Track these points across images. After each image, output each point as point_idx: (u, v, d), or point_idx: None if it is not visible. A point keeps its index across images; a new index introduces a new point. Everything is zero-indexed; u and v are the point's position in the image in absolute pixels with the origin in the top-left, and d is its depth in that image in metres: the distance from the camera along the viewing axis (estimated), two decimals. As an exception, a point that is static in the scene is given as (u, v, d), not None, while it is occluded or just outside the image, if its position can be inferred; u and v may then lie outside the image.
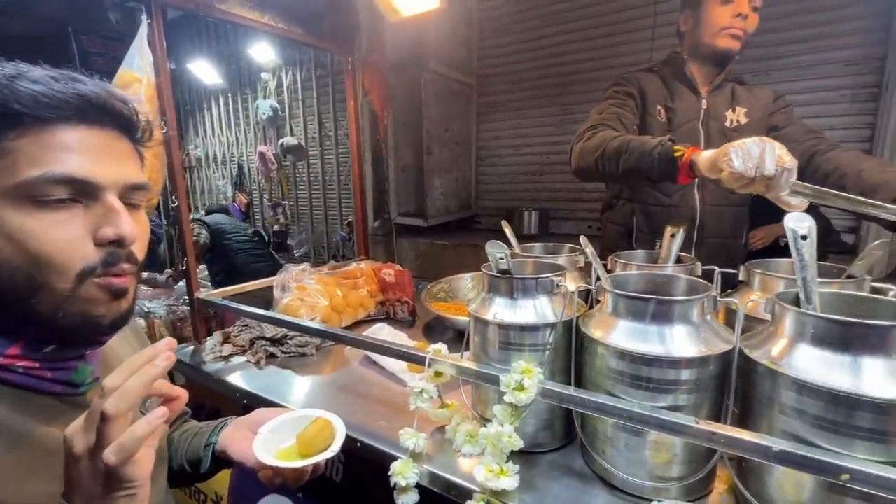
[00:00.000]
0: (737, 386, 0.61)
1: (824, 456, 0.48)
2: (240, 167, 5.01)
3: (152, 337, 2.47)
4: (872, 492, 0.46)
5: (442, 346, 0.83)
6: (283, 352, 1.25)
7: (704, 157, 0.84)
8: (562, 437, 0.79)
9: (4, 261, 0.45)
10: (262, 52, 4.24)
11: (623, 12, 2.96)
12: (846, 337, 0.51)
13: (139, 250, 0.54)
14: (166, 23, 1.29)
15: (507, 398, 0.68)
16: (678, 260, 0.91)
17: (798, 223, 0.59)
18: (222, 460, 0.74)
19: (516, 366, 0.69)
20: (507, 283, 0.75)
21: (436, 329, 1.42)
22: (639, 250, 0.98)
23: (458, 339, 1.05)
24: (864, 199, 0.69)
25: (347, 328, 1.44)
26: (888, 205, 0.72)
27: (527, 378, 0.67)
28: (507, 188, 3.90)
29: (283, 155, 4.40)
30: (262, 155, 4.42)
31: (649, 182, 1.20)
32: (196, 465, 0.75)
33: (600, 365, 0.67)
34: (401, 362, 1.04)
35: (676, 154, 0.90)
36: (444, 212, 3.70)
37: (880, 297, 0.59)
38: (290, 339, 1.26)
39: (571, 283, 0.93)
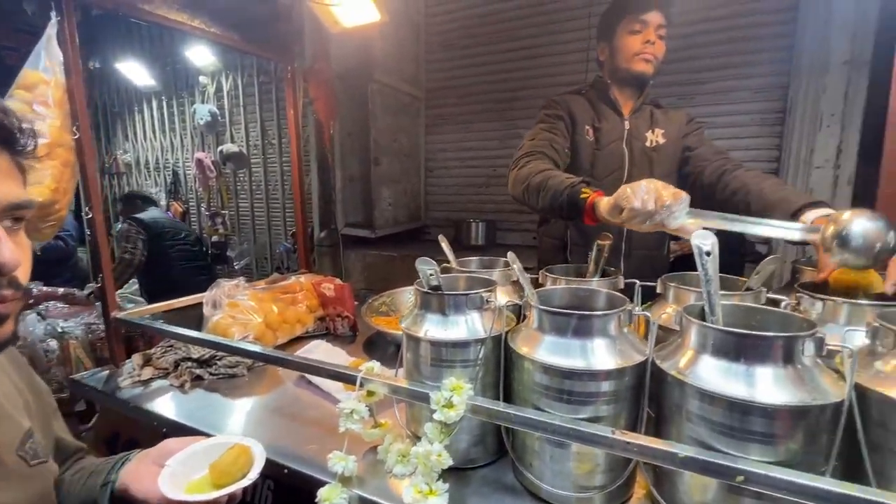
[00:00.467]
0: (652, 395, 0.64)
1: (722, 459, 0.52)
2: (175, 174, 4.72)
3: (67, 361, 2.24)
4: (763, 491, 0.50)
5: (375, 364, 0.82)
6: (210, 373, 1.17)
7: (605, 201, 0.89)
8: (494, 452, 0.79)
9: None
10: (200, 55, 4.04)
11: (562, 34, 3.11)
12: (740, 347, 0.55)
13: (22, 274, 0.49)
14: (89, 19, 1.20)
15: (436, 416, 0.68)
16: (604, 273, 0.95)
17: (702, 241, 0.64)
18: (123, 501, 0.67)
19: (447, 382, 0.69)
20: (438, 300, 0.75)
21: (377, 344, 1.40)
22: (570, 264, 1.02)
23: (398, 354, 1.03)
24: (758, 220, 0.75)
25: (284, 345, 1.38)
26: (781, 223, 0.78)
27: (456, 395, 0.68)
28: (455, 199, 3.94)
29: (223, 162, 4.20)
30: (199, 162, 4.19)
31: (563, 219, 1.26)
32: None
33: (527, 379, 0.68)
34: (337, 381, 1.01)
35: (582, 197, 0.94)
36: (392, 223, 3.68)
37: (772, 308, 0.65)
38: (218, 359, 1.19)
39: (505, 298, 0.96)
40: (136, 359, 1.21)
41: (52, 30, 1.09)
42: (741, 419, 0.53)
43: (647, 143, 1.34)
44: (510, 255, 0.78)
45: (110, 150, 5.16)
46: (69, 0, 1.13)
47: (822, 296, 0.71)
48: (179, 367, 1.18)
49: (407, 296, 1.55)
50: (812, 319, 0.61)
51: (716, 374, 0.56)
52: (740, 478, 0.50)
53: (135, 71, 4.44)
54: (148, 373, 1.17)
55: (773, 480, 0.49)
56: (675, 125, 1.36)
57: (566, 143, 1.29)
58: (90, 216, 1.19)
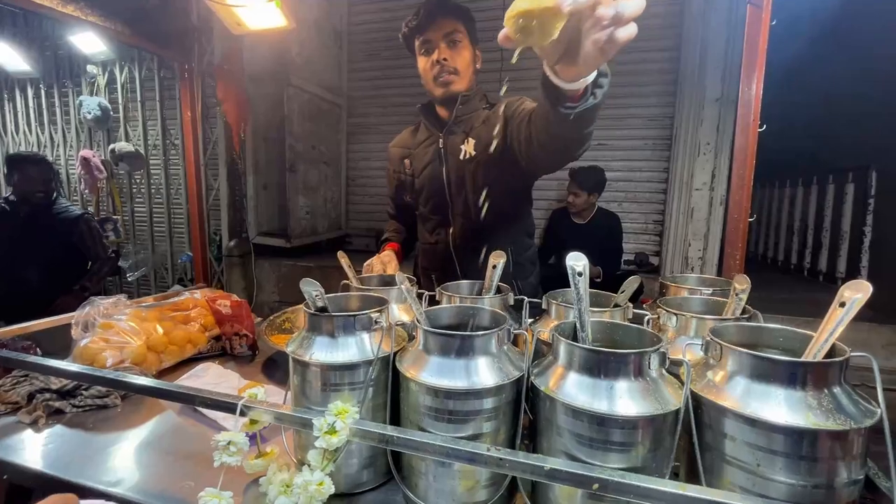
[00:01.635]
0: (528, 409, 0.68)
1: (580, 469, 0.56)
2: (55, 173, 4.15)
3: None
4: (615, 496, 0.55)
5: (259, 391, 0.77)
6: (74, 406, 1.04)
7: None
8: (385, 473, 0.78)
9: None
10: (89, 42, 3.62)
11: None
12: (600, 364, 0.60)
13: None
14: None
15: (318, 443, 0.65)
16: (498, 290, 0.99)
17: (575, 262, 0.69)
18: None
19: (332, 407, 0.67)
20: (325, 322, 0.73)
21: (278, 363, 1.33)
22: (464, 281, 1.04)
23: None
24: None
25: (171, 369, 1.26)
26: None
27: (340, 420, 0.66)
28: (377, 209, 3.91)
29: (115, 162, 3.78)
30: (85, 161, 3.74)
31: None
32: None
33: (413, 400, 0.68)
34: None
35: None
36: (310, 232, 3.55)
37: (630, 324, 0.71)
38: (84, 389, 1.05)
39: (404, 314, 0.96)
40: (-23, 393, 1.04)
41: None
42: (600, 430, 0.58)
43: (461, 157, 1.27)
44: (398, 277, 0.78)
45: (-30, 142, 4.42)
46: None
47: (675, 311, 0.80)
48: (34, 401, 1.03)
49: (313, 311, 1.49)
50: (660, 335, 0.68)
51: (580, 390, 0.60)
52: (595, 485, 0.55)
53: (6, 54, 3.87)
54: (-9, 409, 1.00)
55: (622, 486, 0.54)
56: (489, 124, 1.24)
57: (402, 192, 1.42)
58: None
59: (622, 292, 0.82)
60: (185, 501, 0.73)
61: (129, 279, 3.80)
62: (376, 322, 0.75)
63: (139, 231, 4.06)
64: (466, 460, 0.60)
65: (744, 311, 0.76)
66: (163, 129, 3.81)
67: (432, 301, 0.99)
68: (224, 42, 2.89)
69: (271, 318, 1.40)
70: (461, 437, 0.64)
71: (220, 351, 1.40)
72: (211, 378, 1.15)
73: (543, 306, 0.90)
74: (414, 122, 1.49)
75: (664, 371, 0.62)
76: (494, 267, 0.98)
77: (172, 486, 0.78)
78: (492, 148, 1.21)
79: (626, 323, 0.72)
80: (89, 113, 3.78)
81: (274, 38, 2.78)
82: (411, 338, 0.78)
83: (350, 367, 0.72)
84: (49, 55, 3.97)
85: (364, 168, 3.92)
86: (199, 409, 1.03)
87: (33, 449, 0.90)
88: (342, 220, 4.04)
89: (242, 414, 0.73)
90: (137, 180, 3.97)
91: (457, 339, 0.66)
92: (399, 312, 0.95)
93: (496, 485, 0.68)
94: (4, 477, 0.84)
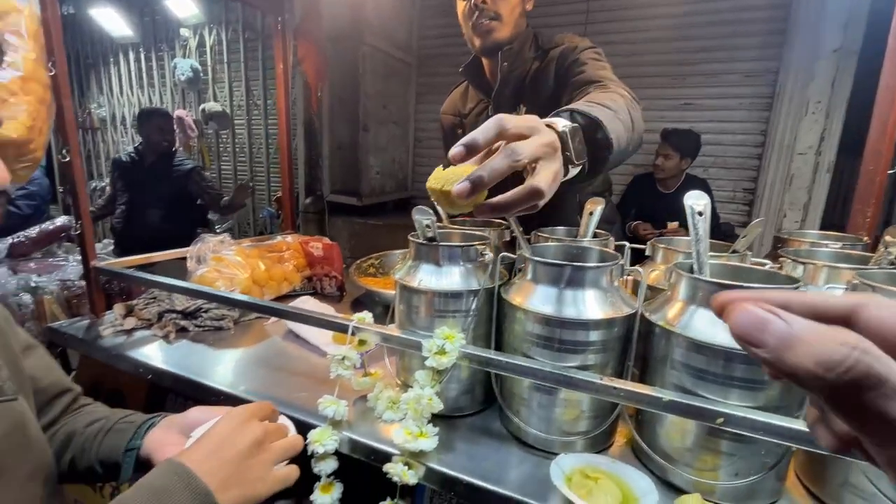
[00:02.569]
0: (637, 348, 0.66)
1: (704, 403, 0.54)
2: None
3: (41, 316, 2.18)
4: (742, 432, 0.53)
5: (366, 315, 0.82)
6: (196, 325, 1.16)
7: None
8: (482, 401, 0.81)
9: None
10: (182, 6, 3.84)
11: (559, 5, 3.05)
12: (727, 299, 0.57)
13: None
14: None
15: (428, 363, 0.69)
16: (595, 236, 0.97)
17: (696, 200, 0.65)
18: (145, 467, 0.62)
19: (439, 331, 0.70)
20: (433, 251, 0.76)
21: (364, 304, 1.40)
22: (560, 227, 1.02)
23: (386, 314, 1.04)
24: None
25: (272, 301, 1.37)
26: None
27: (448, 342, 0.69)
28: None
29: (205, 122, 4.05)
30: (179, 120, 4.04)
31: None
32: (112, 469, 0.64)
33: (518, 329, 0.69)
34: (326, 333, 1.01)
35: None
36: (379, 192, 3.64)
37: (756, 266, 0.67)
38: (204, 311, 1.18)
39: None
40: (119, 308, 1.19)
41: (25, -46, 1.02)
42: (724, 366, 0.56)
43: None
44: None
45: (84, 103, 4.92)
46: (44, -77, 1.05)
47: (804, 259, 0.74)
48: (163, 319, 1.16)
49: (395, 258, 1.54)
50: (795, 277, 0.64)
51: (703, 324, 0.58)
52: (720, 420, 0.53)
53: (111, 19, 4.20)
54: (131, 322, 1.15)
55: (750, 422, 0.52)
56: (542, 79, 1.09)
57: None
58: (67, 160, 1.14)
59: (743, 238, 0.77)
60: (302, 407, 0.81)
61: (217, 231, 4.14)
62: (482, 255, 0.76)
63: (225, 187, 4.38)
64: (579, 388, 0.60)
65: (892, 264, 0.69)
66: (246, 89, 4.01)
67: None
68: (306, 3, 2.94)
69: (358, 262, 1.47)
70: (569, 367, 0.64)
71: (312, 290, 1.50)
72: (312, 307, 1.23)
73: (647, 252, 0.86)
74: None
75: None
76: (591, 213, 0.96)
77: (288, 396, 0.86)
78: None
79: (753, 266, 0.67)
80: (182, 74, 4.05)
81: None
82: (512, 275, 0.79)
83: (456, 296, 0.74)
84: (147, 20, 4.26)
85: (432, 129, 3.90)
86: (301, 336, 1.11)
87: (167, 356, 1.02)
88: (408, 181, 4.09)
89: (353, 333, 0.78)
90: (224, 139, 4.25)
91: (568, 268, 0.66)
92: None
93: (600, 417, 0.68)
94: (149, 377, 0.97)
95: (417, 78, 3.84)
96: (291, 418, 0.78)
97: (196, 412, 0.68)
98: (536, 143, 0.51)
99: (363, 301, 1.41)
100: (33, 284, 2.42)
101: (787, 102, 2.61)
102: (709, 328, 0.57)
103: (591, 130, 0.65)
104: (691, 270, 0.67)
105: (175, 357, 1.02)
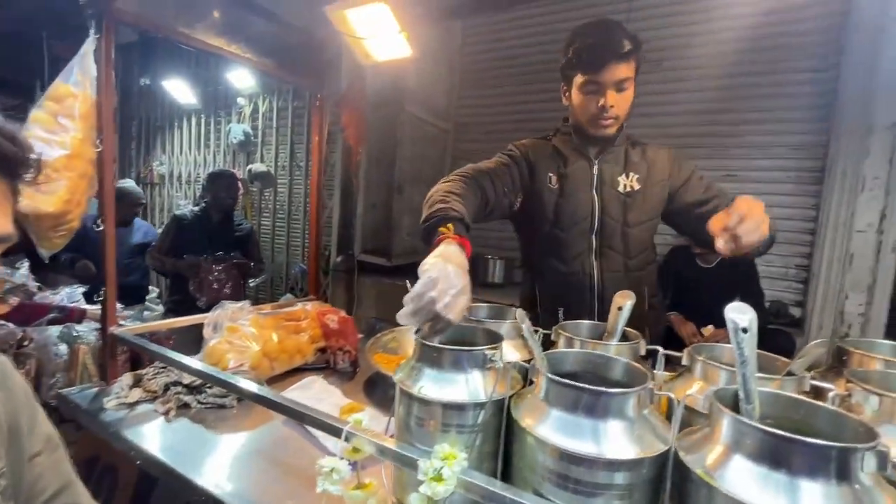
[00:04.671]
0: (672, 493, 0.55)
1: None
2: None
3: (73, 366, 2.23)
4: None
5: (363, 416, 0.75)
6: (199, 402, 1.12)
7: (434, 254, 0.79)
8: (487, 532, 0.70)
9: None
10: (241, 79, 4.21)
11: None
12: (783, 452, 0.46)
13: None
14: (146, 41, 1.23)
15: (423, 488, 0.60)
16: (624, 335, 0.87)
17: (739, 314, 0.56)
18: None
19: (439, 449, 0.62)
20: (436, 353, 0.69)
21: (377, 384, 1.33)
22: (585, 321, 0.94)
23: (393, 401, 0.96)
24: None
25: (280, 376, 1.33)
26: None
27: (447, 466, 0.60)
28: (474, 234, 3.87)
29: (251, 181, 4.29)
30: (228, 178, 4.31)
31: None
32: None
33: (529, 456, 0.60)
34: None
35: (440, 231, 0.86)
36: (410, 252, 3.65)
37: (821, 403, 0.56)
38: (208, 387, 1.14)
39: (514, 353, 0.88)
40: (126, 378, 1.17)
41: (88, 46, 1.12)
42: (782, 543, 0.44)
43: (620, 189, 1.20)
44: (519, 314, 0.71)
45: (148, 161, 5.37)
46: (110, 20, 1.16)
47: (878, 390, 0.61)
48: (168, 392, 1.13)
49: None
50: (868, 422, 0.52)
51: (751, 481, 0.47)
52: None
53: (179, 89, 4.66)
54: (136, 395, 1.13)
55: None
56: (655, 168, 1.22)
57: (509, 186, 1.17)
58: (101, 228, 1.18)
59: (801, 358, 0.66)
60: (286, 521, 0.72)
61: (251, 284, 4.25)
62: (491, 360, 0.68)
63: (262, 242, 4.54)
64: (596, 546, 0.50)
65: None
66: (290, 152, 4.26)
67: (546, 341, 0.90)
68: (350, 72, 3.15)
69: (379, 334, 1.41)
70: (587, 514, 0.54)
71: (324, 364, 1.45)
72: (315, 392, 1.17)
73: (684, 361, 0.76)
74: (537, 133, 1.36)
75: (881, 477, 0.46)
76: (620, 309, 0.87)
77: (274, 502, 0.78)
78: (660, 190, 1.22)
79: (812, 400, 0.56)
80: (235, 138, 4.38)
81: (393, 67, 2.96)
82: (528, 382, 0.70)
83: (459, 408, 0.66)
84: (210, 90, 4.71)
85: (465, 193, 3.95)
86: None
87: (163, 439, 0.98)
88: (440, 242, 4.10)
89: (346, 440, 0.71)
90: (266, 197, 4.47)
91: (587, 393, 0.57)
92: (510, 350, 0.87)
93: (626, 579, 0.56)
94: (138, 462, 0.92)
95: (454, 143, 3.96)
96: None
97: None
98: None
99: (376, 381, 1.34)
100: (75, 334, 2.50)
101: (840, 178, 2.46)
102: (759, 487, 0.46)
103: None
104: (736, 399, 0.57)
105: (171, 440, 0.97)
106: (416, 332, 0.75)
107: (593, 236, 1.22)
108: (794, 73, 2.64)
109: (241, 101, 4.46)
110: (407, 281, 0.77)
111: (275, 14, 1.63)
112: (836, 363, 0.84)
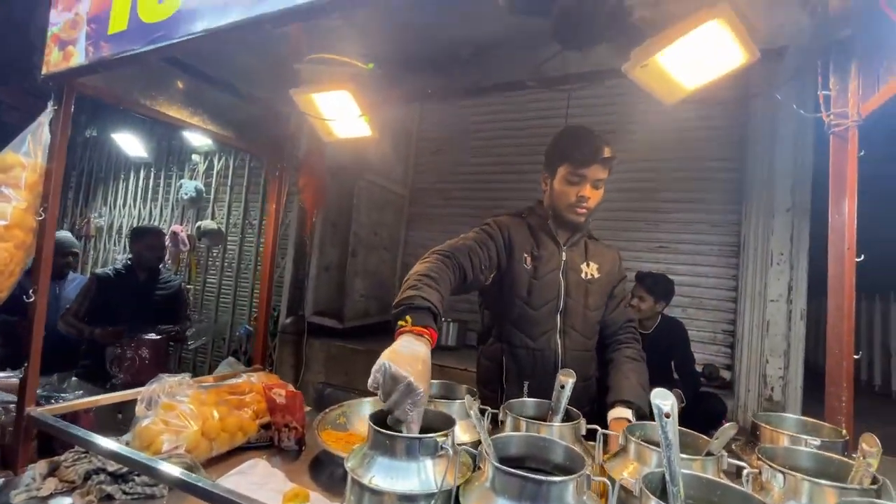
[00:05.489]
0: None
1: None
2: (159, 245, 4.63)
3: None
4: None
5: (310, 509, 0.73)
6: (124, 492, 1.03)
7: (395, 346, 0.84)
8: None
9: None
10: (197, 137, 4.20)
11: (541, 155, 3.40)
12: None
13: None
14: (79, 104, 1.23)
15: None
16: (567, 413, 0.92)
17: (662, 400, 0.63)
18: None
19: (388, 544, 0.62)
20: (389, 441, 0.70)
21: (324, 464, 1.27)
22: (530, 399, 0.98)
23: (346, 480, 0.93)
24: None
25: (221, 457, 1.24)
26: None
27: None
28: (428, 296, 3.92)
29: (199, 237, 4.16)
30: (174, 234, 4.15)
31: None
32: None
33: (477, 548, 0.61)
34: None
35: (399, 323, 0.92)
36: (362, 314, 3.61)
37: (735, 487, 0.62)
38: (136, 474, 1.05)
39: (463, 434, 0.90)
40: (40, 467, 1.06)
41: (45, 117, 1.12)
42: None
43: (583, 276, 1.34)
44: (467, 399, 0.75)
45: (85, 212, 5.09)
46: (70, 92, 1.18)
47: (783, 469, 0.69)
48: (89, 482, 1.03)
49: (365, 408, 1.44)
50: (776, 499, 0.59)
51: (678, 567, 0.51)
52: None
53: (129, 142, 4.56)
54: (50, 486, 1.02)
55: None
56: (608, 262, 1.40)
57: (486, 263, 1.25)
58: (32, 299, 1.12)
59: (716, 439, 0.73)
60: None
61: (190, 347, 3.97)
62: (441, 447, 0.70)
63: (206, 300, 4.32)
64: None
65: (873, 481, 0.64)
66: (244, 210, 4.20)
67: (494, 418, 0.93)
68: (310, 139, 3.25)
69: (327, 410, 1.37)
70: None
71: (269, 441, 1.37)
72: (257, 477, 1.11)
73: (620, 441, 0.81)
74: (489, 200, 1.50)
75: (783, 557, 0.52)
76: (563, 387, 0.92)
77: None
78: (609, 283, 1.39)
79: (729, 483, 0.62)
80: (186, 194, 4.28)
81: (354, 138, 3.10)
82: (476, 468, 0.72)
83: (410, 500, 0.66)
84: (164, 144, 4.64)
85: (421, 254, 4.02)
86: (242, 511, 0.98)
87: (79, 539, 0.88)
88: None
89: (291, 536, 0.69)
90: (214, 254, 4.32)
91: (530, 482, 0.60)
92: (460, 431, 0.89)
93: None
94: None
95: (409, 208, 4.08)
96: None
97: None
98: None
99: (323, 460, 1.28)
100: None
101: (753, 253, 2.77)
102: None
103: None
104: (664, 482, 0.62)
105: (87, 540, 0.88)
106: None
107: (558, 316, 1.31)
108: (711, 160, 3.03)
109: (195, 157, 4.42)
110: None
111: (237, 88, 1.70)
112: (752, 437, 0.92)
